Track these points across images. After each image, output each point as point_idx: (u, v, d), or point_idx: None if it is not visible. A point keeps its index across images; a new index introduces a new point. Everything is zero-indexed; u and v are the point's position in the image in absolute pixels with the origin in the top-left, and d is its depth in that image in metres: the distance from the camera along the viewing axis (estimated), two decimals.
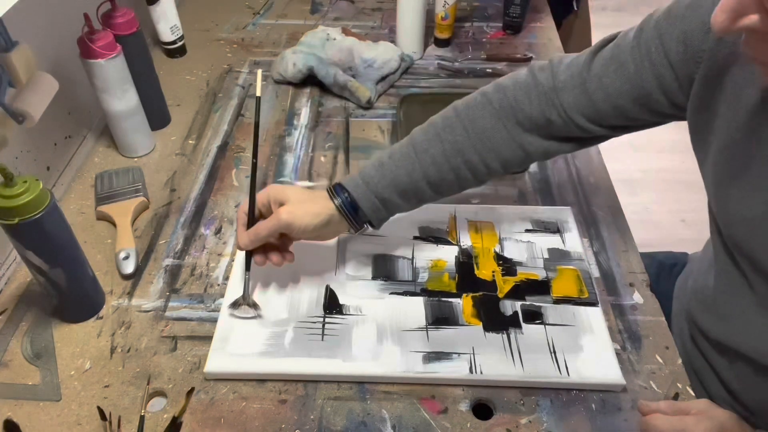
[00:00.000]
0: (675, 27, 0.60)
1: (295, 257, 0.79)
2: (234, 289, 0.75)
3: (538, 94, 0.68)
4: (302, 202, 0.69)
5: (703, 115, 0.61)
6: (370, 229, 0.74)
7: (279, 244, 0.73)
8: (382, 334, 0.71)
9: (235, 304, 0.73)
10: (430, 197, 0.73)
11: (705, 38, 0.58)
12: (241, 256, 0.77)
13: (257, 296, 0.75)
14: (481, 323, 0.73)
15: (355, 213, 0.71)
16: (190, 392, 0.66)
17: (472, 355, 0.69)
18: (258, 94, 0.70)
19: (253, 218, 0.70)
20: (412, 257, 0.80)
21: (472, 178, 0.72)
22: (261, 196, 0.71)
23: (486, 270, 0.79)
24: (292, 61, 1.10)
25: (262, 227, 0.68)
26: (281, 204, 0.69)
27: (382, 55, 1.10)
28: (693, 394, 0.67)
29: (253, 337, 0.71)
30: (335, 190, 0.71)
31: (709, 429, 0.58)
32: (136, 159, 0.97)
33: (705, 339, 0.71)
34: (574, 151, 0.74)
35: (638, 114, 0.66)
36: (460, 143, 0.70)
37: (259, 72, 0.71)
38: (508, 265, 0.79)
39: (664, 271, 0.89)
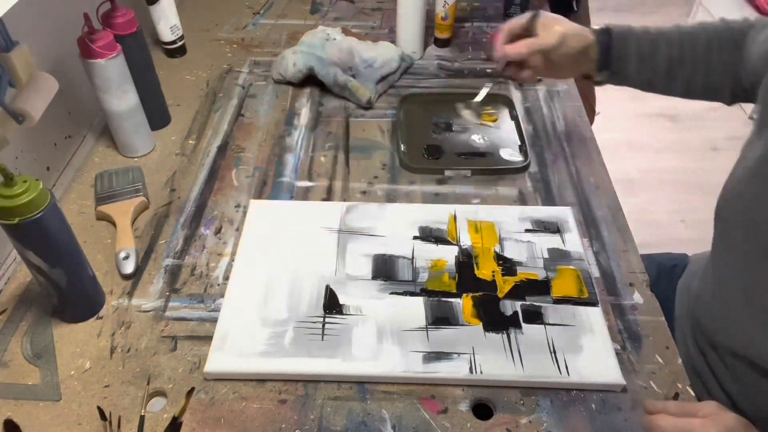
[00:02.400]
0: None
1: (295, 257, 0.79)
2: (235, 289, 0.76)
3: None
4: (572, 25, 0.78)
5: None
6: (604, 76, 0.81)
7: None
8: (382, 334, 0.71)
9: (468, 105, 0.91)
10: (659, 79, 0.79)
11: None
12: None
13: (255, 294, 0.75)
14: (481, 323, 0.73)
15: (607, 52, 0.78)
16: (190, 392, 0.66)
17: (472, 355, 0.69)
18: None
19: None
20: (412, 257, 0.80)
21: (683, 87, 0.79)
22: (523, 19, 0.80)
23: (486, 270, 0.79)
24: (292, 61, 1.10)
25: (529, 42, 0.77)
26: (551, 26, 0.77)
27: (382, 55, 1.10)
28: (693, 394, 0.67)
29: (253, 337, 0.71)
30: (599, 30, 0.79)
31: None
32: (136, 159, 0.97)
33: (708, 343, 0.71)
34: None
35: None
36: (700, 56, 0.76)
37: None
38: (508, 265, 0.79)
39: (664, 272, 0.88)
